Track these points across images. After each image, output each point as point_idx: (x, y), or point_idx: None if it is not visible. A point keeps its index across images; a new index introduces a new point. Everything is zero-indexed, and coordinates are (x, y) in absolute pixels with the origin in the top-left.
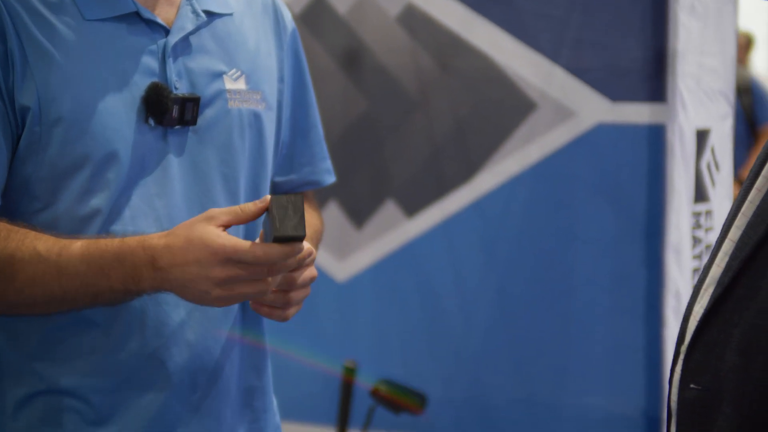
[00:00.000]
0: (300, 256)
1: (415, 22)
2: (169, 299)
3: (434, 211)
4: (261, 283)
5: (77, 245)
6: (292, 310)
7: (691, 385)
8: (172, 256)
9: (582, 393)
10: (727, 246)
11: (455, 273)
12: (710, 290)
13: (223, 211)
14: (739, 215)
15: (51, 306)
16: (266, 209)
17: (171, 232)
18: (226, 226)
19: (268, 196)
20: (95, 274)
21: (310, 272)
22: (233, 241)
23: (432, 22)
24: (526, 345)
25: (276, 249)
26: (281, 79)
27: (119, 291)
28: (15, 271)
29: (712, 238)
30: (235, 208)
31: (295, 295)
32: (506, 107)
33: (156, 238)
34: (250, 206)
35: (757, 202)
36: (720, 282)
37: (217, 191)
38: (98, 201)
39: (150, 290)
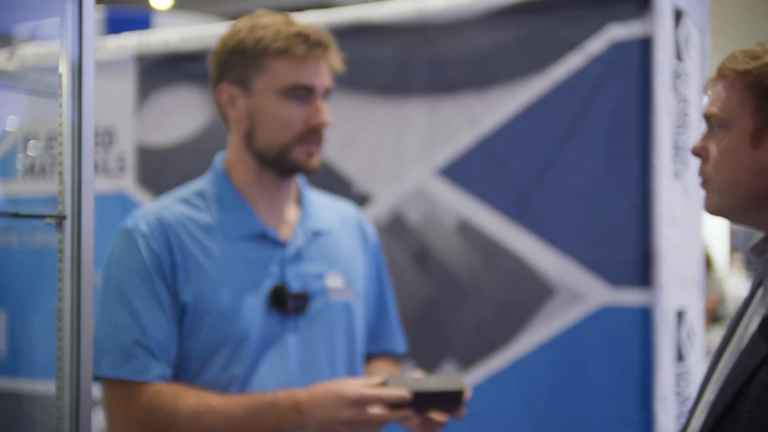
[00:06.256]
0: (401, 415)
1: (468, 231)
2: None
3: (481, 368)
4: (380, 426)
5: (239, 399)
6: None
7: None
8: (312, 402)
9: None
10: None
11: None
12: None
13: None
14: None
15: None
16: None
17: (314, 386)
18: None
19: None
20: (253, 419)
21: (461, 413)
22: (360, 389)
23: (480, 230)
24: None
25: (385, 391)
26: (367, 277)
27: None
28: (194, 423)
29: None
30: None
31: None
32: (531, 293)
33: (300, 391)
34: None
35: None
36: None
37: (322, 362)
38: (235, 371)
39: (294, 430)
